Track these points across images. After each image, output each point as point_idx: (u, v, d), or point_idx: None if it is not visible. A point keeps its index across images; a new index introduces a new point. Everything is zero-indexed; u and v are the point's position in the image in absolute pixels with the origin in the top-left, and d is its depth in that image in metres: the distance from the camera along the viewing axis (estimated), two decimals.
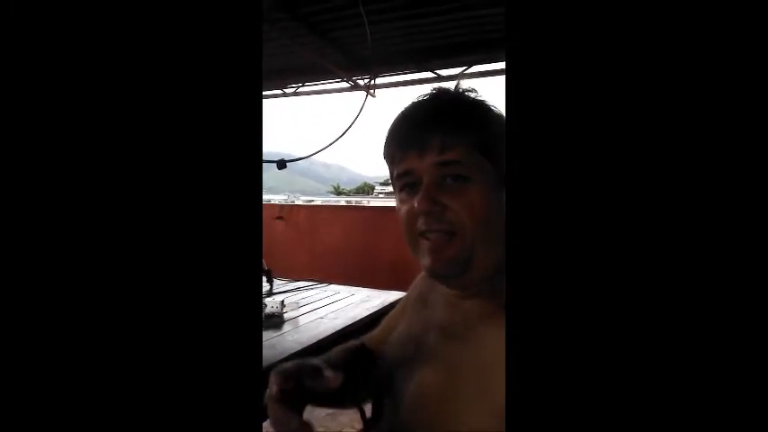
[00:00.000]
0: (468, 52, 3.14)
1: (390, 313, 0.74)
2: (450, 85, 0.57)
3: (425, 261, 0.52)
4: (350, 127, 1.39)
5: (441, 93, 0.55)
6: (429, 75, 3.49)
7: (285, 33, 2.73)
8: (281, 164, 1.35)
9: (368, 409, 0.66)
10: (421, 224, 0.50)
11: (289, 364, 0.50)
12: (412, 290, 0.71)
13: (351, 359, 0.65)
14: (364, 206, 4.89)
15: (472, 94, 0.55)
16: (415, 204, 0.49)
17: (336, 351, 0.68)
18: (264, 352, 0.93)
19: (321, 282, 1.59)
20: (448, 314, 0.56)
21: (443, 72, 3.44)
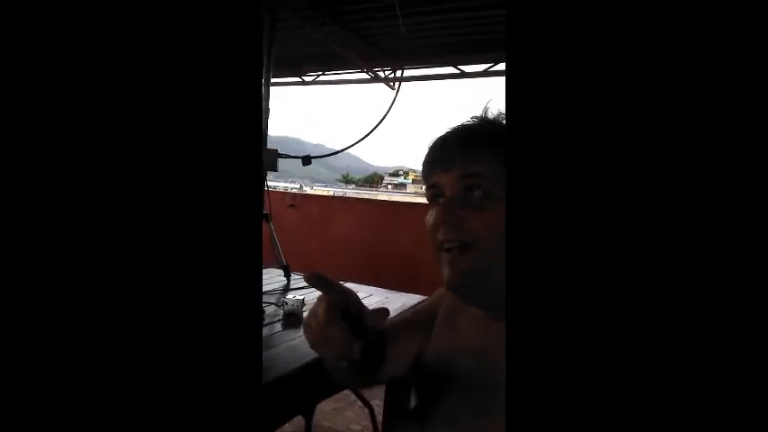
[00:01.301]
0: (494, 50, 3.08)
1: (417, 309, 0.71)
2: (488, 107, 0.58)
3: (444, 274, 0.52)
4: (382, 120, 1.36)
5: (479, 119, 0.57)
6: (452, 70, 3.43)
7: (307, 21, 2.70)
8: (307, 160, 1.33)
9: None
10: (440, 235, 0.51)
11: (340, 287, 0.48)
12: (436, 301, 0.68)
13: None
14: (377, 199, 4.89)
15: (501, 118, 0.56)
16: (434, 215, 0.52)
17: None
18: (286, 353, 0.91)
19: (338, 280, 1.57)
20: (479, 337, 0.55)
21: (467, 68, 3.38)
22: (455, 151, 0.52)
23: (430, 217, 0.53)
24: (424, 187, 0.57)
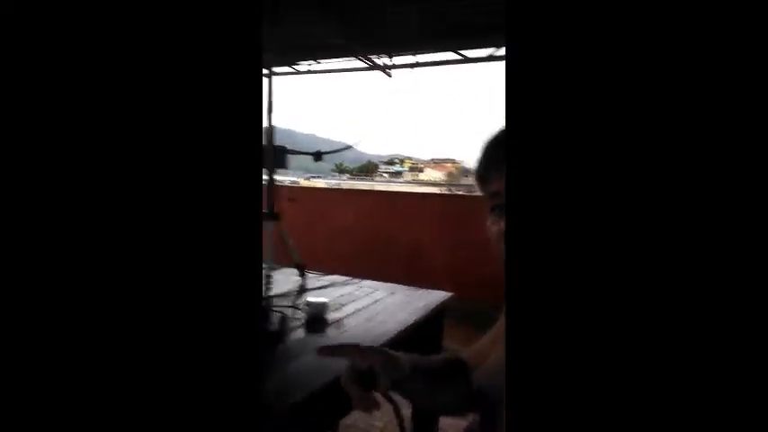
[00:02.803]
0: (498, 34, 2.99)
1: (488, 334, 0.71)
2: None
3: None
4: (369, 109, 1.29)
5: None
6: (452, 56, 3.34)
7: (301, 10, 2.61)
8: (318, 156, 1.27)
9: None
10: None
11: (366, 348, 0.55)
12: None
13: (446, 369, 0.66)
14: (375, 190, 4.86)
15: None
16: (503, 226, 0.51)
17: (436, 358, 0.69)
18: (315, 364, 0.86)
19: (353, 277, 1.52)
20: None
21: (469, 53, 3.29)
22: None
23: (494, 226, 0.53)
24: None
